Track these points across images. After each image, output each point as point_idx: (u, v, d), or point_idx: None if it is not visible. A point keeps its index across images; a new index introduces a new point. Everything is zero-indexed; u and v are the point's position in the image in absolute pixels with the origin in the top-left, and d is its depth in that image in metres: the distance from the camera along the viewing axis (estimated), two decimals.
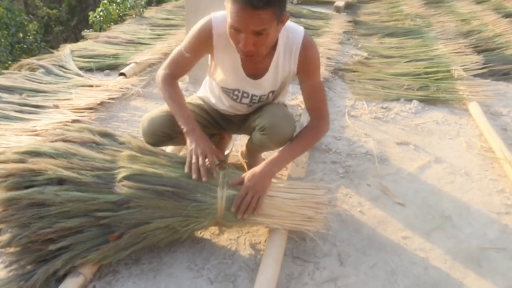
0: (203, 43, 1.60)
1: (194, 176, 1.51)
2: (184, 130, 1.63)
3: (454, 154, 2.48)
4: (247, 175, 1.59)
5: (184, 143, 1.74)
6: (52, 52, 3.86)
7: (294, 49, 1.59)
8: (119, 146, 1.56)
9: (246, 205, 1.53)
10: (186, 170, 1.54)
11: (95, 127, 1.67)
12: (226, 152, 2.19)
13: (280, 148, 1.69)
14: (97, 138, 1.54)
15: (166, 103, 1.71)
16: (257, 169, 1.60)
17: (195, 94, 2.03)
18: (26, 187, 1.37)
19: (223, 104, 1.87)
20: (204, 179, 1.51)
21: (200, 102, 1.94)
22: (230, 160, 2.23)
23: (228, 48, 1.56)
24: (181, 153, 2.22)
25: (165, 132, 1.75)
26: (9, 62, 11.49)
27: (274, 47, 1.57)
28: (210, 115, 1.92)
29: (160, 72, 1.73)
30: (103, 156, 1.48)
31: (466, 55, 4.02)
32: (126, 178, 1.41)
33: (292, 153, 1.68)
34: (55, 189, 1.34)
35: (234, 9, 1.33)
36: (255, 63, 1.60)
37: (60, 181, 1.38)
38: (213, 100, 1.91)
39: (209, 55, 1.70)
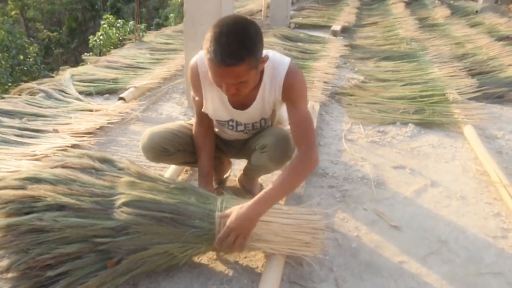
0: (196, 82, 1.71)
1: None
2: (199, 180, 1.85)
3: (450, 177, 2.50)
4: (232, 214, 1.52)
5: (181, 161, 1.92)
6: (52, 76, 3.92)
7: (279, 79, 1.61)
8: (118, 172, 1.58)
9: (229, 246, 1.51)
10: None
11: (94, 153, 1.69)
12: (224, 176, 2.21)
13: (268, 187, 1.57)
14: (97, 164, 1.57)
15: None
16: (243, 208, 1.52)
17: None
18: (26, 213, 1.39)
19: (225, 133, 1.94)
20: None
21: None
22: (228, 183, 2.24)
23: (213, 84, 1.56)
24: (180, 178, 2.24)
25: (164, 147, 1.81)
26: (9, 84, 11.61)
27: (260, 78, 1.60)
28: None
29: (193, 122, 1.91)
30: (102, 182, 1.50)
31: (461, 78, 4.08)
32: (125, 204, 1.43)
33: (280, 191, 1.57)
34: (54, 215, 1.36)
35: (210, 65, 1.39)
36: (240, 98, 1.63)
37: (60, 207, 1.40)
38: (216, 129, 1.96)
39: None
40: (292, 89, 1.62)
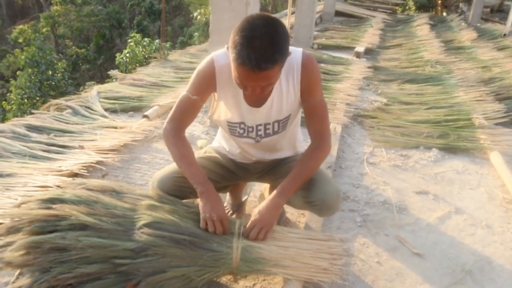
0: (208, 80, 1.60)
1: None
2: (198, 190, 1.59)
3: (475, 205, 2.45)
4: (254, 211, 1.62)
5: (194, 198, 1.74)
6: (79, 92, 4.02)
7: (296, 68, 1.58)
8: (139, 195, 1.60)
9: (252, 238, 1.56)
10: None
11: (114, 183, 1.72)
12: (244, 198, 2.20)
13: (285, 180, 1.63)
14: (117, 187, 1.59)
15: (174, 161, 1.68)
16: (263, 204, 1.61)
17: (210, 145, 2.01)
18: (49, 232, 1.41)
19: (236, 149, 1.86)
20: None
21: (215, 154, 1.91)
22: (248, 205, 2.24)
23: (229, 82, 1.56)
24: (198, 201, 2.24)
25: (175, 195, 1.71)
26: (37, 98, 12.00)
27: None
28: (225, 168, 1.89)
29: (166, 126, 1.69)
30: (123, 204, 1.53)
31: (488, 103, 4.01)
32: (146, 225, 1.45)
33: (297, 182, 1.63)
34: (76, 234, 1.39)
35: (241, 71, 1.35)
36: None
37: (82, 227, 1.42)
38: (226, 148, 1.90)
39: (212, 96, 1.69)
40: (310, 75, 1.59)
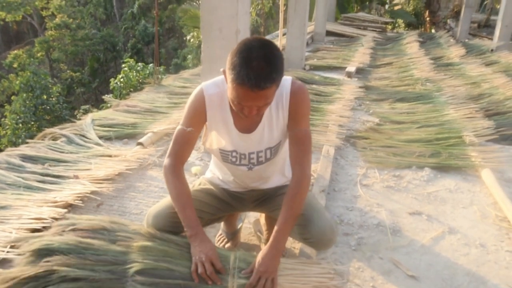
0: (199, 109, 1.65)
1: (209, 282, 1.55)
2: (188, 234, 1.63)
3: (468, 224, 2.47)
4: (258, 259, 1.60)
5: None
6: (74, 115, 4.04)
7: (284, 96, 1.63)
8: (130, 231, 1.61)
9: None
10: (195, 280, 1.55)
11: (105, 218, 1.73)
12: (239, 226, 2.21)
13: (279, 222, 1.63)
14: (107, 225, 1.60)
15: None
16: (264, 251, 1.61)
17: (203, 176, 2.03)
18: None
19: (229, 177, 1.88)
20: (218, 283, 1.54)
21: (209, 186, 1.93)
22: (243, 232, 2.25)
23: (219, 108, 1.64)
24: None
25: (170, 230, 1.73)
26: (32, 123, 12.00)
27: None
28: (220, 199, 1.90)
29: (165, 162, 1.73)
30: (115, 248, 1.53)
31: (477, 119, 4.06)
32: (138, 273, 1.45)
33: (289, 223, 1.63)
34: (69, 286, 1.39)
35: (240, 91, 1.41)
36: (247, 119, 1.63)
37: (75, 278, 1.42)
38: (220, 176, 1.92)
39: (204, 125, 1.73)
40: (300, 104, 1.64)
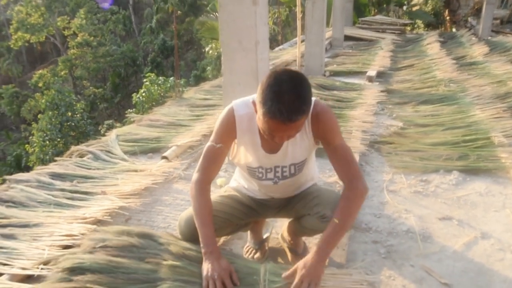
0: (229, 128, 1.73)
1: None
2: (203, 251, 1.67)
3: (502, 228, 2.40)
4: (300, 264, 1.62)
5: (220, 236, 1.89)
6: (98, 130, 4.11)
7: (306, 121, 1.66)
8: (159, 248, 1.62)
9: None
10: None
11: (134, 228, 1.76)
12: (265, 236, 2.21)
13: (327, 231, 1.65)
14: (136, 241, 1.62)
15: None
16: (309, 257, 1.62)
17: (228, 185, 2.09)
18: None
19: (255, 187, 1.93)
20: None
21: (234, 193, 1.99)
22: (271, 243, 2.24)
23: (248, 129, 1.71)
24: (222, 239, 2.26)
25: None
26: (58, 139, 12.31)
27: None
28: (245, 205, 1.95)
29: (194, 177, 1.80)
30: (145, 266, 1.55)
31: (506, 119, 3.97)
32: None
33: (339, 231, 1.65)
34: None
35: (272, 124, 1.46)
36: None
37: None
38: (245, 186, 1.98)
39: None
40: (323, 128, 1.68)
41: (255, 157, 1.77)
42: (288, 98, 1.42)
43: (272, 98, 1.43)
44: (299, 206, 1.89)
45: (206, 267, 1.63)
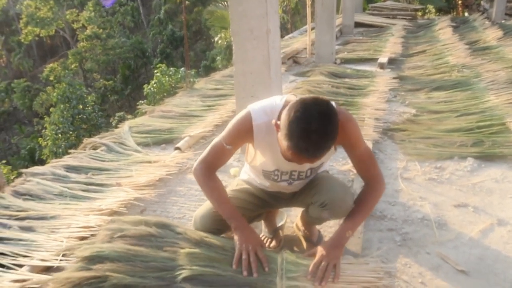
0: (244, 135, 1.69)
1: (244, 273, 1.58)
2: (232, 225, 1.72)
3: None
4: (319, 247, 1.72)
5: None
6: (110, 122, 4.14)
7: None
8: (177, 237, 1.64)
9: (322, 272, 1.61)
10: (234, 266, 1.61)
11: (151, 218, 1.77)
12: (280, 224, 2.22)
13: (348, 219, 1.75)
14: (154, 231, 1.64)
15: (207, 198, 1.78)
16: (328, 241, 1.73)
17: (239, 178, 2.08)
18: None
19: (266, 183, 1.92)
20: (255, 275, 1.57)
21: (245, 185, 1.98)
22: (286, 232, 2.25)
23: (267, 136, 1.65)
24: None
25: (217, 228, 1.84)
26: (71, 132, 12.42)
27: None
28: (257, 197, 1.95)
29: (196, 167, 1.79)
30: (163, 254, 1.57)
31: None
32: (187, 279, 1.49)
33: (358, 219, 1.76)
34: None
35: (296, 157, 1.43)
36: None
37: (126, 285, 1.47)
38: (258, 180, 1.96)
39: (250, 144, 1.77)
40: (346, 136, 1.63)
41: (273, 161, 1.74)
42: (316, 138, 1.36)
43: (299, 136, 1.37)
44: (303, 196, 1.91)
45: (240, 238, 1.67)
